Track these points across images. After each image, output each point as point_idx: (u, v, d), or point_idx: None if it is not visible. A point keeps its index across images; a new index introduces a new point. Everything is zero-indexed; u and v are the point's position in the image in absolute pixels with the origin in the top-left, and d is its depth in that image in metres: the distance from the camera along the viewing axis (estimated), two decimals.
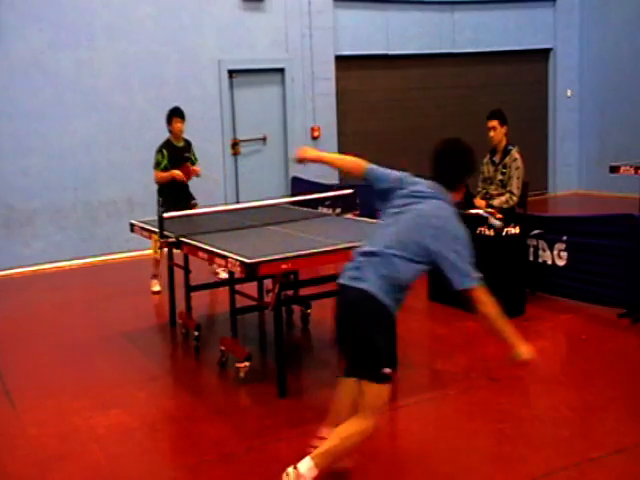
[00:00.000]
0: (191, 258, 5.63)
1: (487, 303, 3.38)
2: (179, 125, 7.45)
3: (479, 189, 6.79)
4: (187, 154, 7.61)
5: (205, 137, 10.09)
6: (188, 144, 7.70)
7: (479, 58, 12.22)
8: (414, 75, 11.82)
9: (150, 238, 5.67)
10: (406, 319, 6.14)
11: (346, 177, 10.62)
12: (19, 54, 8.95)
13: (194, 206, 7.45)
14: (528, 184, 6.75)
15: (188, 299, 6.08)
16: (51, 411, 4.77)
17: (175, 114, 7.47)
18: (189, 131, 9.94)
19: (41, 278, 8.82)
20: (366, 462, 3.93)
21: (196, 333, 5.83)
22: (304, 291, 6.21)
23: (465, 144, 3.52)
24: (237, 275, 4.81)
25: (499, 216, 6.23)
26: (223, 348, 5.43)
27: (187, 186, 7.64)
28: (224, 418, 4.55)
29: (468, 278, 3.32)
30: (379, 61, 11.36)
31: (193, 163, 7.67)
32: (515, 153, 6.54)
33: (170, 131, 7.50)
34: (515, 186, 6.46)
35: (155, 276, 7.52)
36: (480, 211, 6.41)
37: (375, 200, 3.64)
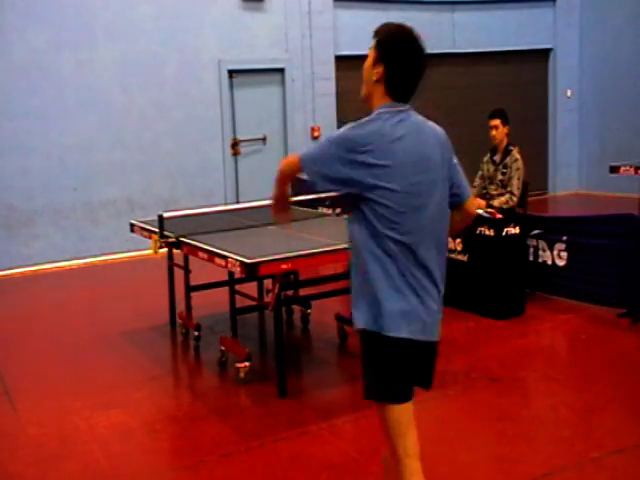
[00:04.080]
0: (191, 258, 5.63)
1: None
2: None
3: (475, 184, 6.79)
4: None
5: (205, 137, 10.11)
6: None
7: (479, 58, 12.22)
8: None
9: (150, 238, 5.67)
10: None
11: None
12: (19, 54, 8.95)
13: None
14: (528, 184, 6.75)
15: (188, 299, 6.08)
16: (51, 411, 4.77)
17: None
18: (189, 131, 9.99)
19: (41, 278, 8.82)
20: (366, 462, 3.93)
21: (196, 333, 5.83)
22: (304, 291, 6.21)
23: None
24: (237, 275, 4.81)
25: (499, 216, 6.23)
26: (223, 348, 5.43)
27: None
28: (224, 418, 4.55)
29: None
30: None
31: None
32: (516, 153, 6.54)
33: None
34: (515, 186, 6.46)
35: None
36: (480, 211, 6.42)
37: None
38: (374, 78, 2.71)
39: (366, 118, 2.66)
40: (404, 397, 2.64)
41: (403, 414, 2.63)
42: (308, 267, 5.13)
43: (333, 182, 2.61)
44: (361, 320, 2.65)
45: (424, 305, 2.60)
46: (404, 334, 2.56)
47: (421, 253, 2.58)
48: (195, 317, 6.03)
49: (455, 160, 2.77)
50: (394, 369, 2.63)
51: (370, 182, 2.53)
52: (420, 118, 2.73)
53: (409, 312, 2.57)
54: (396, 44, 2.68)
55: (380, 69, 2.68)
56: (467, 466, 3.85)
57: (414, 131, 2.65)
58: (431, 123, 2.77)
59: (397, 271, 2.56)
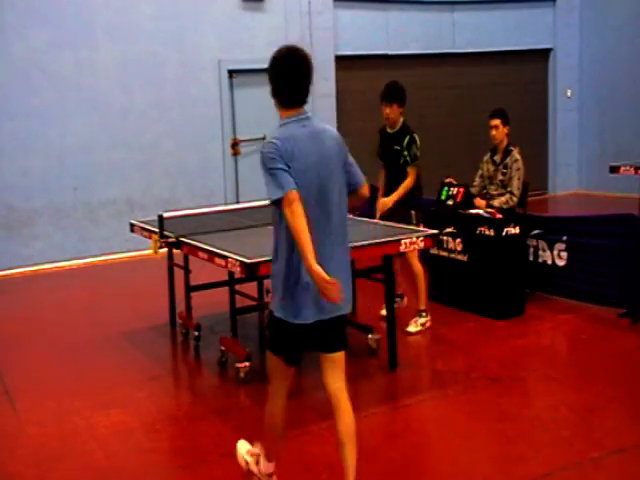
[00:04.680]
0: (191, 258, 5.63)
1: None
2: (386, 111, 5.99)
3: (475, 184, 6.78)
4: (397, 146, 5.99)
5: (205, 137, 10.11)
6: (402, 135, 6.01)
7: (479, 58, 12.21)
8: (414, 75, 11.80)
9: (150, 238, 5.67)
10: (406, 319, 6.16)
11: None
12: (19, 54, 8.95)
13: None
14: (528, 184, 6.75)
15: (188, 299, 6.08)
16: (51, 411, 4.77)
17: (381, 97, 6.01)
18: (189, 131, 9.99)
19: (41, 278, 8.82)
20: (366, 462, 3.93)
21: (196, 333, 5.82)
22: None
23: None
24: (237, 275, 4.80)
25: (499, 216, 6.23)
26: (223, 348, 5.43)
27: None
28: (224, 418, 4.56)
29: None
30: (379, 61, 11.35)
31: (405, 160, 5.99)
32: (516, 154, 6.54)
33: None
34: (515, 187, 6.46)
35: None
36: (480, 211, 6.42)
37: None
38: (271, 94, 3.31)
39: (275, 132, 3.27)
40: (284, 354, 3.37)
41: (280, 365, 3.40)
42: None
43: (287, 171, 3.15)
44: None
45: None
46: (313, 317, 3.23)
47: (323, 237, 3.20)
48: (195, 317, 6.03)
49: (350, 158, 3.44)
50: (280, 337, 3.36)
51: None
52: (319, 124, 3.35)
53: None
54: (274, 66, 3.27)
55: (271, 87, 3.30)
56: (467, 466, 3.85)
57: (315, 135, 3.26)
58: (329, 127, 3.41)
59: (300, 259, 3.12)
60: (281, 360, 3.37)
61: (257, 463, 3.61)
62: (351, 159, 3.44)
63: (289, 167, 3.11)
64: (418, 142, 5.98)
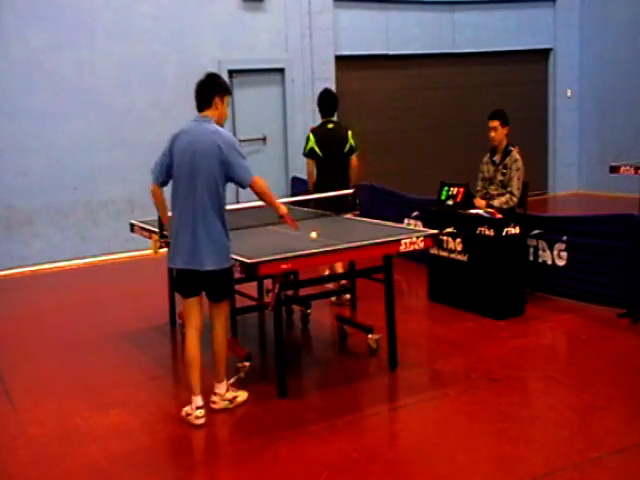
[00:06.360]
0: None
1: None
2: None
3: (478, 188, 6.79)
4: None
5: None
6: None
7: (479, 58, 12.21)
8: (414, 75, 11.81)
9: (150, 238, 5.67)
10: (406, 319, 6.16)
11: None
12: (19, 54, 8.95)
13: None
14: (528, 184, 6.75)
15: None
16: (51, 411, 4.77)
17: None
18: None
19: (41, 278, 8.82)
20: (366, 462, 3.93)
21: None
22: (304, 291, 6.21)
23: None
24: (237, 275, 4.80)
25: (499, 216, 6.23)
26: None
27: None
28: (224, 418, 4.56)
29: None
30: (379, 61, 11.36)
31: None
32: (516, 154, 6.54)
33: None
34: (515, 187, 6.46)
35: None
36: (480, 211, 6.42)
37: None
38: None
39: None
40: (185, 296, 4.58)
41: (187, 305, 4.60)
42: (308, 267, 5.12)
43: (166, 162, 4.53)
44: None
45: (192, 245, 4.36)
46: (178, 264, 4.48)
47: (186, 206, 4.44)
48: None
49: (231, 159, 4.38)
50: (178, 281, 4.65)
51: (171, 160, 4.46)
52: (210, 127, 4.43)
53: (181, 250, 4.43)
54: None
55: None
56: (467, 466, 3.85)
57: (198, 133, 4.41)
58: (221, 130, 4.47)
59: (177, 222, 4.46)
60: (186, 298, 4.57)
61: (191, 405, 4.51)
62: (232, 160, 4.36)
63: (171, 148, 4.46)
64: (306, 140, 6.92)
